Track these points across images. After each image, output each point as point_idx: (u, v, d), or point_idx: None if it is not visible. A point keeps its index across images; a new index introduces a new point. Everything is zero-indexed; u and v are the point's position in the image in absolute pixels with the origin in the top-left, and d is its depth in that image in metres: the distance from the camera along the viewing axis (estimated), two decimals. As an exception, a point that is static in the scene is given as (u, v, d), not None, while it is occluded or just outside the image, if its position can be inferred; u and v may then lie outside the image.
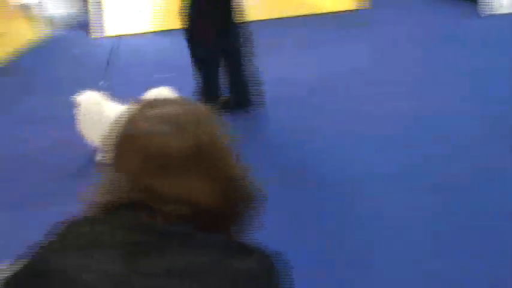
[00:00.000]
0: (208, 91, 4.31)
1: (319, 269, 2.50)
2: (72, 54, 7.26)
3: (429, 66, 5.32)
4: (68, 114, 3.79)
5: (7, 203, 3.47)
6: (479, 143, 3.60)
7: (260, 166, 1.39)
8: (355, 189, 3.20)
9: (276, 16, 8.01)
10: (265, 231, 1.27)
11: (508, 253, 2.51)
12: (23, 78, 6.35)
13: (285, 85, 4.92)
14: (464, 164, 3.34)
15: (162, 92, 3.82)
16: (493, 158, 3.38)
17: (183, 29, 4.34)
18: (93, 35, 8.16)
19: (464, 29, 6.44)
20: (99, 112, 3.67)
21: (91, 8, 8.54)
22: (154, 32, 7.77)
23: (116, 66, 6.18)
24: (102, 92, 3.82)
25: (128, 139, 1.05)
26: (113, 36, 8.08)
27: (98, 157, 3.73)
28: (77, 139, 3.77)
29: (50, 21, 8.74)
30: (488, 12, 6.81)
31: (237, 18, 4.36)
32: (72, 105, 3.73)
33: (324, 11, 8.10)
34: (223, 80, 4.48)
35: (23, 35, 8.06)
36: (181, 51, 4.55)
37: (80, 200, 1.07)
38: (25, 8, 8.35)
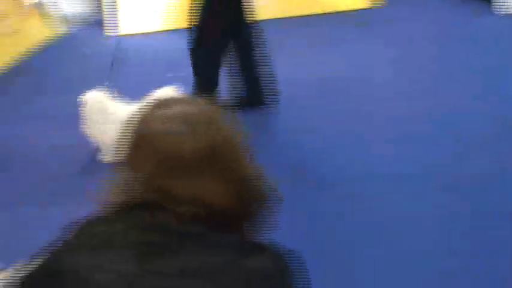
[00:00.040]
0: (206, 88, 4.31)
1: (330, 269, 2.49)
2: (84, 53, 7.27)
3: (443, 64, 5.27)
4: (78, 114, 3.80)
5: (17, 201, 3.49)
6: (491, 141, 3.57)
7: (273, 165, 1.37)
8: (374, 188, 3.20)
9: (288, 15, 7.95)
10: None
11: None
12: (35, 78, 6.38)
13: (297, 85, 4.89)
14: (477, 162, 3.32)
15: (169, 91, 3.82)
16: (505, 157, 3.35)
17: (192, 27, 4.34)
18: (107, 34, 8.18)
19: (478, 27, 6.37)
20: (103, 111, 3.69)
21: (105, 6, 8.57)
22: (168, 30, 7.74)
23: (127, 65, 6.22)
24: (107, 91, 3.83)
25: (142, 139, 1.06)
26: (127, 35, 8.13)
27: (102, 157, 3.76)
28: (86, 138, 3.79)
29: (64, 19, 8.77)
30: (502, 11, 6.75)
31: (248, 17, 4.36)
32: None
33: (338, 9, 8.01)
34: (236, 79, 4.49)
35: (37, 33, 8.08)
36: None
37: (93, 200, 1.08)
38: (39, 6, 8.39)
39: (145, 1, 8.33)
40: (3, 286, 1.07)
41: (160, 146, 1.02)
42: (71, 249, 1.00)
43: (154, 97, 3.71)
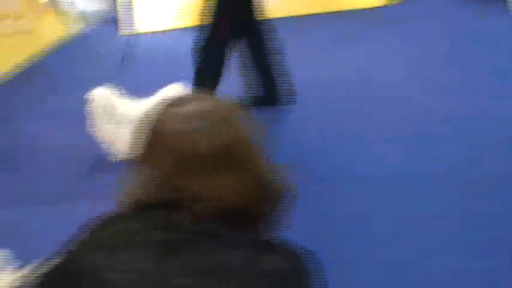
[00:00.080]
0: (209, 85, 4.30)
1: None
2: (99, 53, 7.32)
3: (458, 63, 5.20)
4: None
5: (27, 199, 3.51)
6: (504, 144, 3.51)
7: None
8: (385, 188, 3.17)
9: (303, 13, 7.94)
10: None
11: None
12: (48, 77, 6.44)
13: (307, 84, 4.81)
14: (488, 165, 3.26)
15: (176, 88, 3.82)
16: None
17: (203, 26, 4.36)
18: (122, 32, 8.24)
19: (494, 26, 6.26)
20: (109, 109, 3.69)
21: (120, 4, 8.62)
22: (182, 28, 7.71)
23: (139, 63, 6.25)
24: (114, 89, 3.83)
25: (158, 138, 1.05)
26: (141, 33, 8.17)
27: (111, 155, 3.78)
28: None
29: (79, 17, 8.85)
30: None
31: (260, 16, 4.37)
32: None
33: (353, 7, 7.99)
34: (251, 78, 4.49)
35: (51, 32, 8.18)
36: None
37: (109, 198, 1.08)
38: (54, 4, 8.47)
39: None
40: (20, 286, 1.07)
41: (176, 144, 1.02)
42: (88, 249, 1.00)
43: (161, 95, 3.70)
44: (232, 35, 4.34)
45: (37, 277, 1.02)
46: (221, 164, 1.01)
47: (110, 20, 8.66)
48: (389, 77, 5.02)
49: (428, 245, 2.62)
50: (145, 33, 8.09)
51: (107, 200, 1.11)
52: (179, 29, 7.79)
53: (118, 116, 3.70)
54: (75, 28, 8.62)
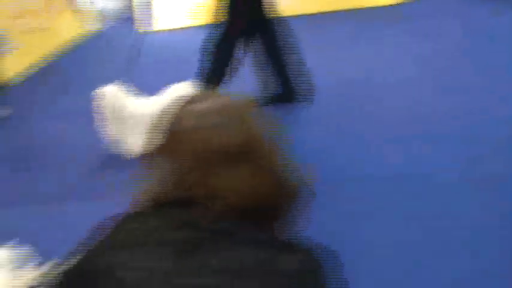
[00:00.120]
0: (217, 81, 4.33)
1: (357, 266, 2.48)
2: (118, 49, 7.36)
3: (471, 62, 5.13)
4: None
5: (41, 197, 3.54)
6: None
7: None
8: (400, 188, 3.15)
9: (317, 11, 7.91)
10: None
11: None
12: (64, 76, 6.48)
13: (322, 83, 4.76)
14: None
15: (185, 86, 3.82)
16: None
17: (217, 24, 4.40)
18: (141, 30, 8.28)
19: (510, 23, 6.20)
20: (118, 106, 3.71)
21: (137, 3, 8.64)
22: (198, 26, 7.63)
23: (153, 61, 6.30)
24: (123, 87, 3.84)
25: (174, 135, 1.05)
26: (157, 31, 8.21)
27: (121, 151, 3.81)
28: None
29: (96, 16, 8.89)
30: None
31: (272, 14, 4.39)
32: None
33: (367, 5, 7.94)
34: (268, 76, 4.51)
35: (68, 30, 8.19)
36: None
37: (127, 196, 1.08)
38: (72, 2, 8.50)
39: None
40: (39, 284, 1.08)
41: (193, 141, 1.01)
42: (105, 248, 0.99)
43: (170, 93, 3.73)
44: (246, 33, 4.37)
45: (55, 276, 1.02)
46: (237, 160, 1.00)
47: (127, 19, 8.68)
48: (400, 75, 4.99)
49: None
50: (161, 31, 8.14)
51: (121, 198, 1.12)
52: (194, 27, 7.76)
53: (126, 113, 3.72)
54: (92, 26, 8.65)
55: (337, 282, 1.01)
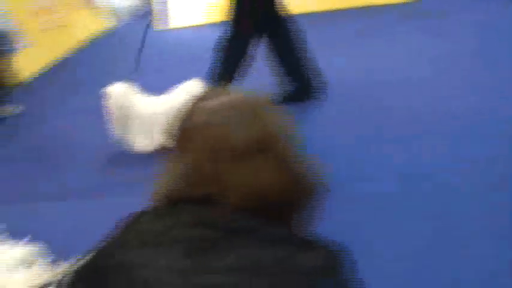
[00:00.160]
0: (228, 80, 4.35)
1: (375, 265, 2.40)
2: (131, 46, 7.40)
3: (488, 62, 5.01)
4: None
5: (51, 194, 3.57)
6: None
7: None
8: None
9: (331, 8, 7.86)
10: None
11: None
12: (79, 73, 6.52)
13: (338, 80, 4.77)
14: (504, 165, 3.19)
15: (195, 84, 3.84)
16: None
17: (228, 22, 4.41)
18: (157, 27, 8.32)
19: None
20: (125, 105, 3.73)
21: (155, 0, 8.69)
22: (214, 23, 7.65)
23: (166, 58, 6.33)
24: (131, 84, 3.86)
25: (189, 132, 1.05)
26: (176, 28, 8.26)
27: (130, 148, 3.83)
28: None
29: (113, 13, 8.94)
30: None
31: (282, 12, 4.40)
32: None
33: (381, 2, 7.84)
34: (281, 75, 4.52)
35: (85, 27, 8.23)
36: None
37: (144, 193, 1.08)
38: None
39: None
40: (56, 283, 1.08)
41: (207, 137, 1.02)
42: (120, 246, 1.00)
43: (178, 91, 3.73)
44: (257, 32, 4.38)
45: (70, 274, 1.03)
46: (253, 156, 1.00)
47: (142, 16, 8.71)
48: (413, 73, 4.94)
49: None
50: (178, 29, 8.17)
51: (134, 196, 1.14)
52: (209, 24, 7.77)
53: (133, 112, 3.75)
54: (108, 23, 8.70)
55: (353, 281, 1.00)
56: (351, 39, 6.39)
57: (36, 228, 2.42)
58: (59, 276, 1.07)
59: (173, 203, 1.03)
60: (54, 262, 1.87)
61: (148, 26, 4.21)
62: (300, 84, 4.50)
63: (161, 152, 3.75)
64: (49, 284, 1.24)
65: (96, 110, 3.89)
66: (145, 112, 3.76)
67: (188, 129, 1.06)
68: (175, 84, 3.91)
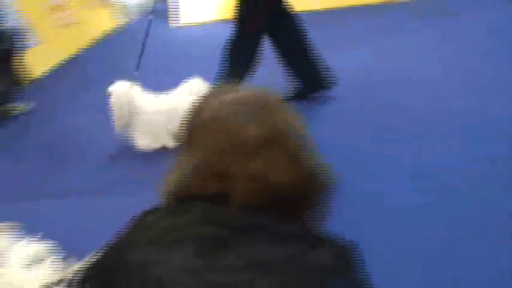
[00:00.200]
0: (235, 73, 4.38)
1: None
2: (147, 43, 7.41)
3: (500, 63, 4.94)
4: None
5: (62, 191, 3.59)
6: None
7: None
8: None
9: (344, 5, 7.84)
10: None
11: None
12: (86, 71, 6.54)
13: (346, 79, 4.75)
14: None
15: (196, 82, 3.85)
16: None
17: (235, 20, 4.44)
18: (171, 24, 8.34)
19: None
20: (129, 102, 3.76)
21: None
22: (224, 20, 7.71)
23: (176, 55, 6.31)
24: (134, 82, 3.88)
25: (200, 128, 1.06)
26: (189, 25, 8.26)
27: (136, 145, 3.86)
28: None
29: (126, 9, 8.96)
30: None
31: (288, 9, 4.41)
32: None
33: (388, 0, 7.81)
34: (289, 72, 4.53)
35: (99, 23, 8.26)
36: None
37: (155, 190, 1.09)
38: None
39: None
40: (67, 281, 1.09)
41: (220, 133, 1.02)
42: (130, 244, 1.00)
43: (182, 88, 3.75)
44: (263, 30, 4.40)
45: (81, 272, 1.04)
46: (263, 152, 1.00)
47: (155, 12, 8.71)
48: (422, 73, 4.92)
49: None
50: (189, 26, 8.17)
51: (143, 193, 1.12)
52: (222, 21, 7.74)
53: (136, 110, 3.78)
54: (120, 21, 8.72)
55: (364, 278, 1.00)
56: (358, 37, 6.37)
57: (46, 225, 2.40)
58: (70, 275, 1.08)
59: (182, 200, 1.03)
60: (65, 259, 1.89)
61: (150, 24, 4.18)
62: (309, 81, 4.52)
63: (167, 149, 3.92)
64: (60, 282, 1.23)
65: (107, 107, 3.91)
66: (148, 110, 3.79)
67: (198, 125, 1.06)
68: (184, 82, 3.93)
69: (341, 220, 2.60)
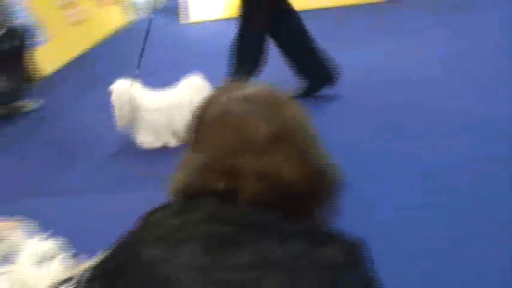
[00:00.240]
0: (242, 70, 4.40)
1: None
2: (154, 41, 7.41)
3: (506, 64, 4.84)
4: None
5: (70, 188, 3.62)
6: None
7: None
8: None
9: (345, 3, 7.76)
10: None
11: None
12: (94, 68, 6.55)
13: (350, 77, 4.72)
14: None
15: (197, 79, 3.87)
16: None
17: (239, 18, 4.46)
18: (182, 21, 8.33)
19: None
20: (130, 100, 3.78)
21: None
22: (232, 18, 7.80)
23: (188, 52, 6.30)
24: (136, 80, 3.90)
25: (208, 125, 1.06)
26: (199, 22, 8.26)
27: (139, 142, 3.90)
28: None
29: (136, 7, 8.98)
30: None
31: (290, 7, 4.44)
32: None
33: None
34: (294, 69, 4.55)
35: (109, 21, 8.26)
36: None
37: (163, 187, 1.10)
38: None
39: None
40: (76, 279, 1.10)
41: (228, 130, 1.02)
42: (138, 242, 1.00)
43: (181, 86, 3.77)
44: (268, 27, 4.42)
45: (90, 270, 1.06)
46: (272, 148, 1.00)
47: (162, 9, 8.73)
48: (422, 73, 4.89)
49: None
50: (199, 23, 8.17)
51: (151, 190, 1.15)
52: (231, 18, 7.70)
53: (137, 107, 3.80)
54: (131, 18, 8.73)
55: (373, 275, 1.01)
56: (361, 36, 6.34)
57: (55, 222, 2.31)
58: (80, 272, 1.09)
59: (190, 197, 1.03)
60: (75, 257, 1.88)
61: (151, 21, 4.21)
62: (315, 78, 4.54)
63: (179, 145, 3.90)
64: (70, 279, 1.23)
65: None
66: (148, 107, 3.81)
67: (206, 122, 1.06)
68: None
69: (341, 220, 2.67)
